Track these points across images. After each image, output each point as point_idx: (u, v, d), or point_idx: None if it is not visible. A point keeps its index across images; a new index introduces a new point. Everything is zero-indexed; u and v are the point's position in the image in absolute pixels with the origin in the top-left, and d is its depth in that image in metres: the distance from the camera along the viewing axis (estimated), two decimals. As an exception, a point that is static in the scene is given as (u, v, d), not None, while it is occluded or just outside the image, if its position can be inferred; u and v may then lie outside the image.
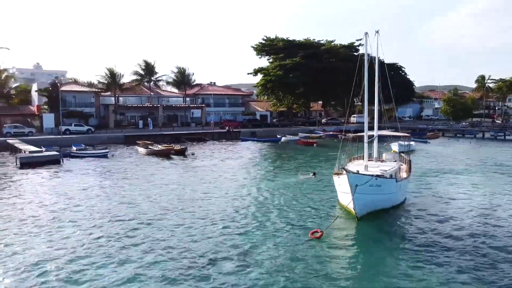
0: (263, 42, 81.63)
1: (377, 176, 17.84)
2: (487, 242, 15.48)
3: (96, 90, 66.76)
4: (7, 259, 14.06)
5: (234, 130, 65.69)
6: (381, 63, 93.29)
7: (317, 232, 15.81)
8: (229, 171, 33.47)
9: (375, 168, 20.68)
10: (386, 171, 19.92)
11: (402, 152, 41.89)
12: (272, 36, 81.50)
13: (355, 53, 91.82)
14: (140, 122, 68.64)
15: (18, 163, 34.87)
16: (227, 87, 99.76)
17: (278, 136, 61.97)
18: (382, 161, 24.00)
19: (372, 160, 23.73)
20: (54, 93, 60.68)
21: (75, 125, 59.43)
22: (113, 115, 66.69)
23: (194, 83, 78.55)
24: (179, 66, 74.13)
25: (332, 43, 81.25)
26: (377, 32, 24.41)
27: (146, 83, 72.96)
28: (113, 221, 18.63)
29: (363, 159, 24.22)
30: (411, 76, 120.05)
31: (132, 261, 13.82)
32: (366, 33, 23.39)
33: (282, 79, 72.35)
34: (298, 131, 69.90)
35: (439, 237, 15.97)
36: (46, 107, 62.84)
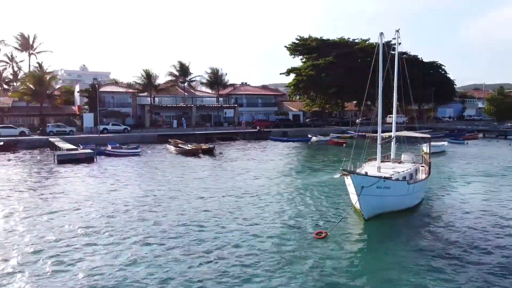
0: (297, 41, 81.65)
1: (385, 178, 17.75)
2: (494, 256, 14.70)
3: (133, 90, 69.42)
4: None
5: (264, 130, 66.23)
6: (418, 61, 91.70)
7: (321, 233, 16.02)
8: (252, 169, 34.04)
9: (388, 169, 20.50)
10: (398, 173, 19.71)
11: (431, 153, 41.15)
12: (306, 36, 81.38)
13: (392, 52, 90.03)
14: (175, 122, 70.74)
15: (56, 160, 37.13)
16: (264, 87, 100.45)
17: (309, 136, 61.85)
18: (400, 162, 23.67)
19: (389, 162, 23.49)
20: (93, 94, 63.83)
21: (112, 125, 62.18)
22: (149, 115, 69.12)
23: (227, 84, 79.77)
24: (213, 67, 75.80)
25: (367, 42, 79.91)
26: (397, 31, 24.20)
27: (180, 84, 74.93)
28: (132, 210, 19.83)
29: (382, 159, 24.05)
30: (453, 75, 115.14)
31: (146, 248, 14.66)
32: (381, 33, 23.26)
33: (314, 79, 72.10)
34: (330, 131, 69.44)
35: (444, 244, 15.58)
36: (86, 107, 66.16)
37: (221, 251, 14.66)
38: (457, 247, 15.21)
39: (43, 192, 25.23)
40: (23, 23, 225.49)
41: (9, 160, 39.03)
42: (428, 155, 26.24)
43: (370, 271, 13.35)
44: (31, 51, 67.10)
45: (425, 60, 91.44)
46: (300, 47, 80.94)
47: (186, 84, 75.26)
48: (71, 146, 41.61)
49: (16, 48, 65.58)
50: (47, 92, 60.62)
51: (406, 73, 26.89)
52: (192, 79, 75.98)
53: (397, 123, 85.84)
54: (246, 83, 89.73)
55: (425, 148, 43.62)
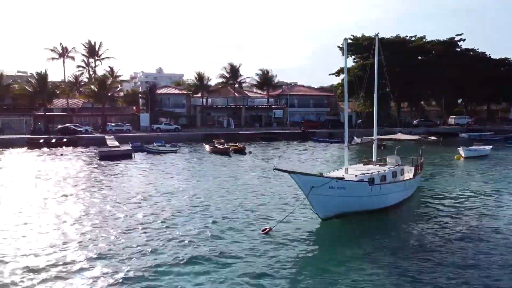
0: (350, 41, 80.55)
1: (338, 178, 18.23)
2: (440, 256, 14.80)
3: (186, 92, 73.94)
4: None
5: (309, 130, 66.68)
6: (484, 58, 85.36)
7: (266, 228, 17.14)
8: (267, 169, 35.23)
9: (361, 171, 20.77)
10: (365, 174, 19.93)
11: (472, 157, 38.99)
12: (359, 35, 79.97)
13: (457, 49, 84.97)
14: (225, 122, 74.02)
15: (98, 155, 41.70)
16: (321, 88, 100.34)
17: (354, 138, 61.17)
18: (383, 164, 23.56)
19: (372, 164, 23.58)
20: (150, 95, 69.34)
21: (164, 124, 67.08)
22: (200, 115, 73.18)
23: (277, 84, 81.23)
24: (263, 69, 77.73)
25: (424, 40, 76.39)
26: (377, 35, 24.50)
27: (232, 85, 77.99)
28: (144, 202, 22.49)
29: (370, 163, 24.20)
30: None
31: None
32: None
33: (362, 80, 70.66)
34: (379, 132, 67.80)
35: (397, 245, 15.78)
36: (144, 107, 71.96)
37: (167, 242, 16.35)
38: (405, 251, 15.24)
39: (83, 183, 28.96)
40: (91, 31, 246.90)
41: (61, 154, 44.49)
42: (420, 157, 25.83)
43: (301, 265, 14.15)
44: (96, 58, 74.70)
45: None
46: (352, 46, 79.71)
47: (236, 85, 78.11)
48: (115, 144, 46.28)
49: (83, 55, 73.38)
50: (108, 94, 66.97)
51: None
52: (242, 81, 78.75)
53: (458, 124, 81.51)
54: (295, 83, 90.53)
55: (461, 151, 41.66)
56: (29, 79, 65.96)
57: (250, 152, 46.51)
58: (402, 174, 22.71)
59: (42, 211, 20.88)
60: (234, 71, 75.38)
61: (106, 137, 54.82)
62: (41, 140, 52.53)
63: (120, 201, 22.81)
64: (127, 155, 42.18)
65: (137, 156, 43.78)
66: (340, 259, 14.50)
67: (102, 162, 39.20)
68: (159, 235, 16.94)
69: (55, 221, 18.98)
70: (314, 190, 17.37)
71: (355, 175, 19.63)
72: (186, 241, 16.08)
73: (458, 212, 20.65)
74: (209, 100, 77.18)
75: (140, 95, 74.67)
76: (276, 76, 77.74)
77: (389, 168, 21.89)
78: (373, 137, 26.02)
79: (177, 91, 75.82)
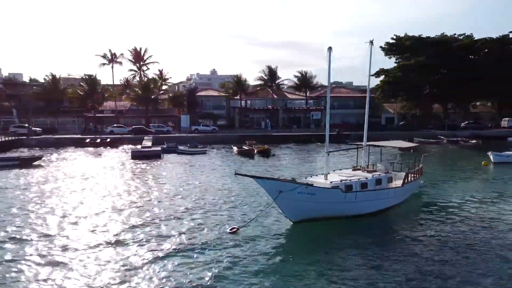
0: (392, 41, 78.63)
1: (308, 184, 18.93)
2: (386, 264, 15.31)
3: (226, 94, 76.40)
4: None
5: (344, 133, 66.22)
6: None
7: (234, 228, 18.38)
8: (277, 171, 36.23)
9: (342, 177, 21.24)
10: (343, 181, 20.37)
11: (497, 162, 37.35)
12: (402, 35, 77.79)
13: None
14: (262, 123, 75.53)
15: (130, 155, 44.97)
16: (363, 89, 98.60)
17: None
18: (372, 171, 23.65)
19: (360, 169, 23.78)
20: (190, 98, 72.71)
21: (202, 125, 69.97)
22: (238, 117, 75.27)
23: (317, 86, 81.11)
24: (301, 70, 78.15)
25: (472, 38, 72.60)
26: (371, 42, 24.38)
27: (270, 87, 79.28)
28: (166, 199, 24.48)
29: (361, 169, 24.44)
30: None
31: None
32: (330, 48, 23.14)
33: (402, 81, 68.89)
34: (418, 135, 65.90)
35: (362, 253, 16.16)
36: (185, 109, 75.50)
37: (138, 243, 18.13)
38: (368, 260, 15.52)
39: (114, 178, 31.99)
40: (141, 37, 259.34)
41: (99, 154, 48.39)
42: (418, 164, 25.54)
43: (262, 264, 15.07)
44: (142, 63, 79.44)
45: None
46: (394, 47, 77.78)
47: (275, 87, 79.23)
48: (148, 144, 49.51)
49: (130, 60, 78.36)
50: (152, 97, 71.11)
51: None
52: (281, 83, 79.67)
53: (511, 127, 76.33)
54: (341, 83, 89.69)
55: (490, 156, 39.79)
56: (81, 83, 71.79)
57: (273, 155, 47.57)
58: (390, 181, 22.79)
59: (78, 205, 23.49)
60: (272, 73, 76.57)
61: (145, 137, 58.55)
62: (87, 140, 57.30)
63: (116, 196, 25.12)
64: (156, 155, 45.05)
65: (167, 156, 46.56)
66: (301, 261, 15.31)
67: (132, 161, 42.41)
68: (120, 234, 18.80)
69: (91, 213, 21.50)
70: (283, 195, 18.26)
71: (331, 182, 20.21)
72: (149, 239, 17.75)
73: (443, 220, 20.49)
74: (248, 102, 79.03)
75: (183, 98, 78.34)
76: (316, 77, 77.79)
77: (372, 175, 22.10)
78: (363, 143, 26.12)
79: (216, 94, 78.54)
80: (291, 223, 19.36)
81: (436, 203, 24.21)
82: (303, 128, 74.50)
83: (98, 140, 57.68)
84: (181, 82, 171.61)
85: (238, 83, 74.35)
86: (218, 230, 18.53)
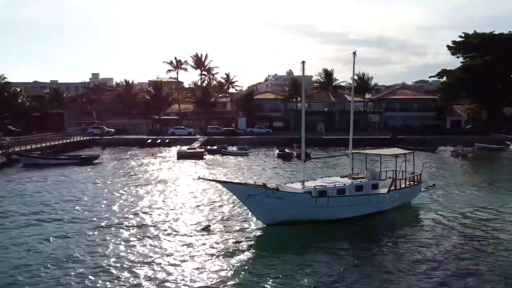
0: (460, 39, 73.86)
1: (274, 189, 20.19)
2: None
3: (282, 97, 78.27)
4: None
5: (399, 137, 64.12)
6: None
7: (208, 225, 20.38)
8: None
9: (320, 183, 22.09)
10: (316, 186, 21.21)
11: None
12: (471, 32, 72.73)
13: None
14: (318, 126, 75.93)
15: (176, 155, 49.09)
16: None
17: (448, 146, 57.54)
18: (357, 178, 23.92)
19: (347, 177, 24.20)
20: (247, 100, 75.91)
21: (257, 128, 72.63)
22: (294, 119, 76.53)
23: (375, 88, 79.21)
24: (358, 72, 76.96)
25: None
26: (354, 53, 24.86)
27: (326, 90, 79.28)
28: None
29: (347, 176, 24.72)
30: None
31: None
32: (303, 62, 23.25)
33: (466, 82, 64.57)
34: (483, 140, 61.66)
35: (319, 256, 17.01)
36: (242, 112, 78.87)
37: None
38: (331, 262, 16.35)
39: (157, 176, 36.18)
40: (213, 43, 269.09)
41: (152, 154, 53.23)
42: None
43: (227, 257, 16.70)
44: (203, 68, 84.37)
45: None
46: (462, 45, 72.99)
47: (331, 89, 79.06)
48: (195, 146, 53.39)
49: (192, 66, 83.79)
50: (211, 100, 75.63)
51: None
52: (337, 85, 79.15)
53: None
54: (404, 83, 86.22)
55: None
56: (148, 88, 78.81)
57: (310, 159, 48.31)
58: (375, 188, 23.00)
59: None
60: (328, 76, 76.65)
61: (200, 138, 62.87)
62: (149, 141, 63.15)
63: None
64: (199, 156, 48.60)
65: (210, 157, 49.99)
66: (264, 260, 16.68)
67: (177, 161, 46.42)
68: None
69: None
70: (251, 198, 19.88)
71: (303, 187, 21.29)
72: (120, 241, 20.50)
73: (425, 232, 20.25)
74: (306, 104, 79.81)
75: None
76: (372, 78, 76.20)
77: (352, 181, 22.59)
78: (348, 151, 26.36)
79: (272, 96, 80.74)
80: (260, 223, 20.83)
81: (430, 212, 23.84)
82: (360, 131, 73.25)
83: (158, 141, 63.23)
84: (259, 83, 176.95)
85: (294, 86, 75.73)
86: (191, 228, 20.59)
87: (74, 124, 76.25)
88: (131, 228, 20.59)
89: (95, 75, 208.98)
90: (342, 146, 60.09)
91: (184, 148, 53.46)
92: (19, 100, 74.99)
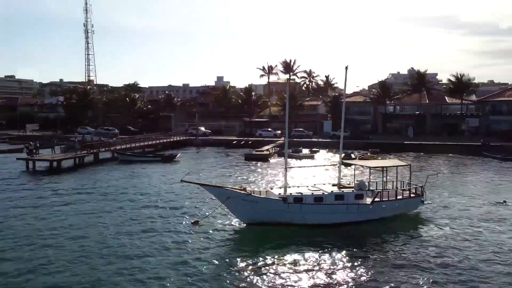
0: None
1: (248, 194, 22.75)
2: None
3: (370, 100, 76.94)
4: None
5: (492, 144, 58.19)
6: None
7: (197, 221, 24.08)
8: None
9: (302, 191, 23.89)
10: (293, 193, 23.10)
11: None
12: None
13: None
14: (409, 130, 72.66)
15: (244, 157, 53.64)
16: None
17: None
18: (345, 187, 24.73)
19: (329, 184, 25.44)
20: (334, 103, 76.76)
21: (339, 131, 72.85)
22: (381, 123, 74.77)
23: (475, 90, 72.08)
24: (456, 73, 71.20)
25: None
26: (346, 68, 25.53)
27: (418, 92, 75.05)
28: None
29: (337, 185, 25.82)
30: None
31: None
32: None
33: None
34: None
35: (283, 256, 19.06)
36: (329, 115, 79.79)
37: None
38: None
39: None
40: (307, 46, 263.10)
41: (227, 155, 58.63)
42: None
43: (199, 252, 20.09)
44: (291, 73, 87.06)
45: None
46: None
47: (424, 91, 74.58)
48: (265, 148, 57.20)
49: (281, 71, 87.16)
50: (296, 104, 78.42)
51: None
52: (430, 87, 74.25)
53: None
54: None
55: None
56: (240, 92, 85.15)
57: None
58: (360, 198, 23.84)
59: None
60: (421, 77, 72.70)
61: (279, 141, 66.54)
62: (234, 142, 69.18)
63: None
64: (264, 158, 52.34)
65: (277, 159, 53.36)
66: (243, 254, 19.44)
67: (246, 162, 50.94)
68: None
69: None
70: (230, 200, 23.07)
71: (279, 193, 23.51)
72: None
73: (402, 245, 20.89)
74: (398, 107, 77.19)
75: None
76: (474, 79, 69.77)
77: (332, 191, 23.82)
78: (337, 162, 26.99)
79: (361, 99, 79.66)
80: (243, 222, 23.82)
81: (420, 226, 23.74)
82: (455, 136, 67.88)
83: (242, 142, 68.84)
84: (373, 84, 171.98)
85: (383, 88, 73.95)
86: (184, 222, 24.51)
87: (180, 125, 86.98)
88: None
89: (219, 78, 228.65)
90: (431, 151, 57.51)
91: (252, 150, 57.65)
92: (138, 105, 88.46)
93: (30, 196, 30.84)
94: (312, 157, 54.12)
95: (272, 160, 52.80)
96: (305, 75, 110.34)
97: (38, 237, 21.38)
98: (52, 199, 30.11)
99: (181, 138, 72.50)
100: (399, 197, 24.83)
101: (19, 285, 16.21)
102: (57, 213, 26.06)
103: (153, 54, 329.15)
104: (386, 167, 26.49)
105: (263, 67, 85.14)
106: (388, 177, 26.76)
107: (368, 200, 23.91)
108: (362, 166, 27.69)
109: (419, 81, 73.17)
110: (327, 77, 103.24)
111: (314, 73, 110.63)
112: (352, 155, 52.65)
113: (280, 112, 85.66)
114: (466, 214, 25.99)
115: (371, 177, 27.52)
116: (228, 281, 16.64)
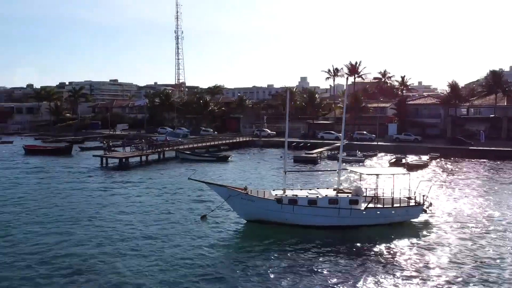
0: None
1: (246, 193, 24.85)
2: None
3: (438, 102, 72.95)
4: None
5: None
6: None
7: (204, 215, 26.89)
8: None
9: (299, 193, 25.38)
10: (288, 195, 24.65)
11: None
12: None
13: None
14: (482, 134, 67.53)
15: (292, 159, 55.29)
16: None
17: None
18: (342, 192, 25.46)
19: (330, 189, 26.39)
20: (401, 105, 74.43)
21: (404, 134, 70.63)
22: (451, 126, 70.49)
23: None
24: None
25: None
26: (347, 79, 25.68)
27: (494, 93, 69.19)
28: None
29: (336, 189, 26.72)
30: None
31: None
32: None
33: None
34: None
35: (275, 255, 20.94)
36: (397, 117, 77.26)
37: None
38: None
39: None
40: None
41: (281, 157, 60.58)
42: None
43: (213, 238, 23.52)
44: (356, 75, 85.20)
45: None
46: None
47: (500, 93, 68.52)
48: (316, 150, 58.15)
49: (346, 73, 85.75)
50: (360, 106, 77.44)
51: None
52: (509, 88, 67.88)
53: None
54: None
55: None
56: (304, 95, 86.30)
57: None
58: (354, 203, 24.60)
59: None
60: (497, 78, 67.09)
61: (337, 143, 66.75)
62: (294, 144, 70.94)
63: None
64: (312, 161, 53.57)
65: (326, 162, 54.25)
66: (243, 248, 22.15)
67: (294, 164, 52.78)
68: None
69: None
70: (231, 198, 25.63)
71: (276, 194, 25.33)
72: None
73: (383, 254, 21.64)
74: (472, 110, 72.19)
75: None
76: None
77: (326, 195, 24.90)
78: (337, 169, 27.51)
79: (431, 102, 75.75)
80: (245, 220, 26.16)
81: (413, 234, 23.87)
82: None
83: (301, 144, 70.33)
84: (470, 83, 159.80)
85: (453, 90, 69.83)
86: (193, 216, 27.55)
87: (248, 126, 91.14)
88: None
89: (303, 79, 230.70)
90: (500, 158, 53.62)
91: (301, 153, 58.96)
92: (210, 107, 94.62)
93: (100, 187, 37.61)
94: (362, 161, 53.82)
95: (322, 163, 53.76)
96: (379, 75, 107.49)
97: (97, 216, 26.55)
98: (115, 190, 36.20)
99: (246, 139, 76.35)
100: (396, 204, 25.06)
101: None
102: (113, 199, 32.31)
103: (240, 55, 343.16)
104: (379, 174, 26.73)
105: (328, 70, 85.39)
106: (391, 184, 26.85)
107: (363, 206, 24.62)
108: (355, 172, 28.19)
109: (495, 82, 67.58)
110: (402, 77, 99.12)
111: (389, 73, 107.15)
112: (403, 160, 51.44)
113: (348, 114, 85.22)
114: (471, 226, 25.30)
115: (377, 183, 27.80)
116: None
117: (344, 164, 52.04)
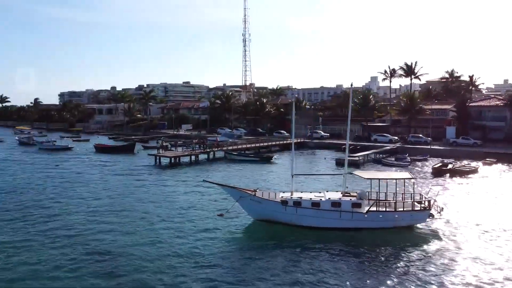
0: None
1: (254, 195, 26.49)
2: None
3: (502, 104, 67.92)
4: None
5: None
6: None
7: (221, 214, 29.00)
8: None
9: (304, 195, 26.48)
10: (293, 197, 25.87)
11: None
12: None
13: None
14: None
15: (335, 162, 55.56)
16: None
17: None
18: (346, 195, 26.01)
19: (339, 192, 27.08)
20: (461, 107, 70.63)
21: (462, 138, 66.91)
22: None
23: None
24: None
25: None
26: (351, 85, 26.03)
27: None
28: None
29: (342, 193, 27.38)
30: None
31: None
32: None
33: None
34: None
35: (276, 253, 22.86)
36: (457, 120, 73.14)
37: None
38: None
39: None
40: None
41: (325, 158, 60.87)
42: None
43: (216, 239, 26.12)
44: (413, 76, 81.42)
45: None
46: None
47: None
48: (359, 154, 57.65)
49: (401, 75, 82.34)
50: (416, 108, 74.56)
51: None
52: None
53: None
54: None
55: None
56: (359, 96, 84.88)
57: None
58: (357, 206, 25.22)
59: None
60: None
61: (387, 147, 65.52)
62: (343, 146, 70.56)
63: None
64: (355, 164, 53.37)
65: (369, 166, 53.78)
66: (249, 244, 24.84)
67: (336, 167, 53.25)
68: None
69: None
70: (242, 199, 27.62)
71: (282, 197, 26.75)
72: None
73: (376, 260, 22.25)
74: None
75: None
76: None
77: (329, 198, 25.72)
78: (343, 172, 27.82)
79: (492, 103, 70.60)
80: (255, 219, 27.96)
81: (414, 240, 23.94)
82: None
83: (351, 147, 69.70)
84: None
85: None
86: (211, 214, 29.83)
87: (303, 128, 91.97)
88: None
89: (373, 79, 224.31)
90: None
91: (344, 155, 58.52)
92: (267, 109, 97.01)
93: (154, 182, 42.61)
94: (406, 167, 52.41)
95: (365, 166, 53.44)
96: (447, 75, 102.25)
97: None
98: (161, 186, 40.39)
99: (298, 140, 77.44)
100: (400, 209, 25.21)
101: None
102: (156, 192, 37.02)
103: (308, 55, 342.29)
104: (381, 179, 26.90)
105: (385, 71, 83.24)
106: (397, 189, 26.80)
107: (365, 209, 25.16)
108: (358, 176, 28.62)
109: None
110: (471, 77, 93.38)
111: (456, 73, 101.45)
112: (449, 166, 49.33)
113: (404, 116, 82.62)
114: (480, 235, 24.65)
115: (387, 188, 27.97)
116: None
117: (381, 166, 51.78)
